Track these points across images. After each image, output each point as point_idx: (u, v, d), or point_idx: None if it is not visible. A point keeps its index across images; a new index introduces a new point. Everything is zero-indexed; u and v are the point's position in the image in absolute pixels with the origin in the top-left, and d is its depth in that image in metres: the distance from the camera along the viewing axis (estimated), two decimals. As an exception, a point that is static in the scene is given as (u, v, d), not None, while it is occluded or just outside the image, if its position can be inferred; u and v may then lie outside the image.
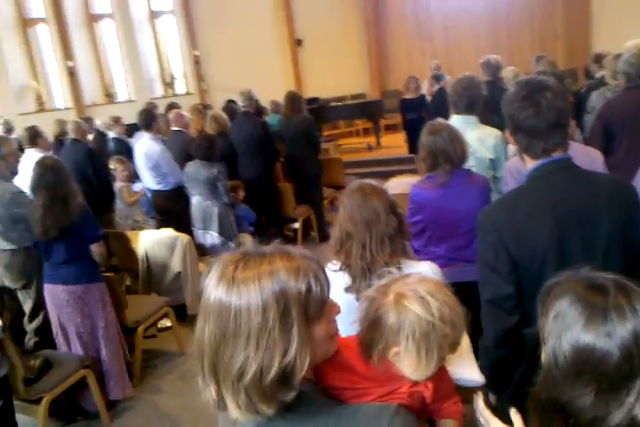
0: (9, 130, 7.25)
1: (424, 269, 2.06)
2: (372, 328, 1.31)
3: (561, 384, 1.01)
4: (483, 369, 1.95)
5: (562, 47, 11.61)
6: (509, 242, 1.75)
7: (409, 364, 1.30)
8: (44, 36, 11.09)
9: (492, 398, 1.99)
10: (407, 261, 2.03)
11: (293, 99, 6.45)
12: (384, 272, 1.92)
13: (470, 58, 11.90)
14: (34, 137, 5.43)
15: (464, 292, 2.81)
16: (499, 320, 1.81)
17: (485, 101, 3.82)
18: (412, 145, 8.68)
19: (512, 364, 1.87)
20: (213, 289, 1.00)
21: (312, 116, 6.79)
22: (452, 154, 2.80)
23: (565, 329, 1.03)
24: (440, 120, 2.99)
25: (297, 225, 6.69)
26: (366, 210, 1.96)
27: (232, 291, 0.98)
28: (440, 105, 7.89)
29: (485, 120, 3.83)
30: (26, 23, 10.87)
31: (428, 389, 1.40)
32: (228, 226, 5.37)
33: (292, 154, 6.53)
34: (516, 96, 1.78)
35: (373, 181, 2.08)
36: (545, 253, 1.74)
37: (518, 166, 2.93)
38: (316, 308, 1.03)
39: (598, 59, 6.26)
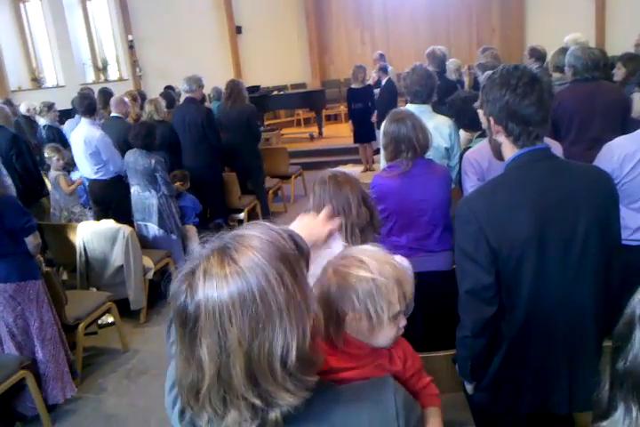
0: None
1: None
2: (322, 309, 1.27)
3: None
4: (461, 359, 1.93)
5: (498, 41, 11.86)
6: (489, 232, 1.72)
7: (366, 328, 1.29)
8: (-36, 15, 10.39)
9: (468, 387, 1.97)
10: None
11: (236, 87, 6.27)
12: None
13: (410, 48, 12.06)
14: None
15: (427, 281, 2.82)
16: (478, 310, 1.78)
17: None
18: (358, 134, 8.68)
19: (490, 353, 1.87)
20: (217, 291, 0.90)
21: (254, 106, 6.64)
22: (414, 142, 2.77)
23: None
24: (403, 108, 2.95)
25: (242, 216, 6.54)
26: (338, 199, 1.90)
27: (245, 276, 0.91)
28: (390, 95, 7.92)
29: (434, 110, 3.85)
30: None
31: (400, 359, 1.41)
32: (169, 218, 5.17)
33: (231, 143, 6.34)
34: (515, 82, 1.72)
35: (346, 171, 2.01)
36: (524, 244, 1.72)
37: (478, 157, 2.94)
38: (305, 262, 1.02)
39: (533, 53, 6.31)
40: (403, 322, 1.33)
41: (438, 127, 3.50)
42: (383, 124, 2.87)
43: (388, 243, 2.89)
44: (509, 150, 1.82)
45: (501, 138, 1.83)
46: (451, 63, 7.24)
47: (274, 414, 0.93)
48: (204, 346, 0.91)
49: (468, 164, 2.95)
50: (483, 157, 2.85)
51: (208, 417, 0.95)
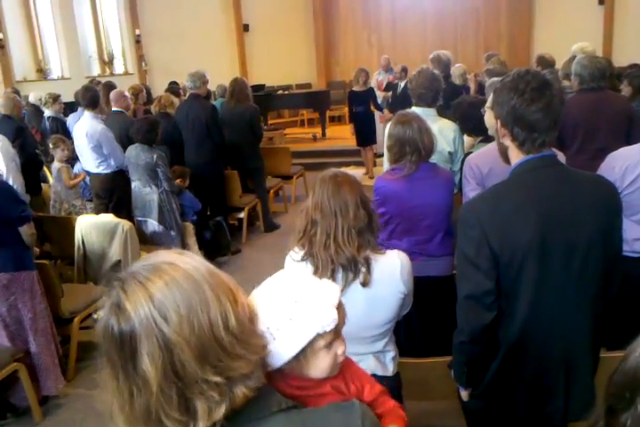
0: None
1: (392, 259, 1.97)
2: None
3: None
4: (457, 365, 1.91)
5: (505, 48, 11.86)
6: (492, 237, 1.70)
7: (295, 365, 1.18)
8: (-28, 5, 10.35)
9: (463, 394, 1.95)
10: (375, 255, 1.94)
11: (240, 86, 6.24)
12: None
13: (416, 53, 12.04)
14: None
15: (426, 286, 2.81)
16: (477, 316, 1.76)
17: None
18: (360, 137, 8.65)
19: (486, 360, 1.85)
20: (141, 294, 0.91)
21: (257, 106, 6.60)
22: (419, 144, 2.75)
23: None
24: (409, 110, 2.94)
25: (242, 215, 6.52)
26: (336, 200, 1.88)
27: (160, 268, 0.94)
28: (405, 97, 7.88)
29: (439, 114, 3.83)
30: (-49, -10, 10.11)
31: (357, 387, 1.33)
32: (169, 214, 5.15)
33: (233, 142, 6.32)
34: (523, 87, 1.70)
35: (349, 172, 1.99)
36: (526, 251, 1.70)
37: (479, 162, 2.92)
38: None
39: (541, 61, 6.27)
40: (340, 349, 1.20)
41: (443, 131, 3.49)
42: (388, 125, 2.86)
43: (389, 246, 2.87)
44: (515, 155, 1.81)
45: (507, 142, 1.82)
46: (456, 68, 7.22)
47: (239, 390, 0.92)
48: (144, 357, 0.89)
49: (468, 168, 2.93)
50: (484, 163, 2.84)
51: None
